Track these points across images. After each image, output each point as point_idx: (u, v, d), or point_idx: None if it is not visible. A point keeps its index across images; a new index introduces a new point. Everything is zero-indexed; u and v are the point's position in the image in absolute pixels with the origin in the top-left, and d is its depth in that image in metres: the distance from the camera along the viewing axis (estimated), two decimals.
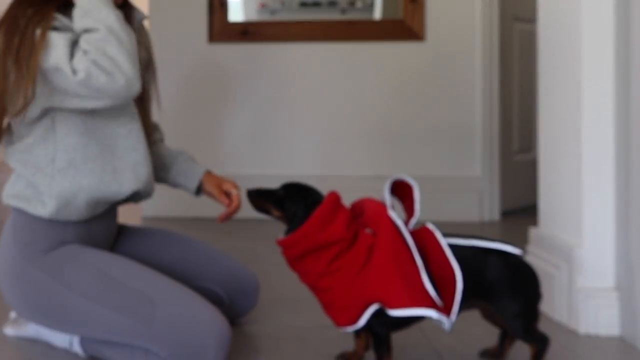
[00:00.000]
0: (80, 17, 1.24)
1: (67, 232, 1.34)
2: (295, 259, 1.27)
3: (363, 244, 1.24)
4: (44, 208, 1.32)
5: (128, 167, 1.37)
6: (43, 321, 1.34)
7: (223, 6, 3.09)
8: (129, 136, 1.37)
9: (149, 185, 1.42)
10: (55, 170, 1.31)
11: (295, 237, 1.24)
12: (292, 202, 1.27)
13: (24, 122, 1.30)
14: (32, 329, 1.46)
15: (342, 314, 1.24)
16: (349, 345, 1.40)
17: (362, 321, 1.22)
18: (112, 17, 1.24)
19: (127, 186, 1.36)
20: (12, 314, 1.57)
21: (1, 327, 1.55)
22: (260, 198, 1.31)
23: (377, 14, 3.10)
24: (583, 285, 1.59)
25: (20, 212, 1.35)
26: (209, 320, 1.26)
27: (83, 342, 1.37)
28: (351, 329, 1.24)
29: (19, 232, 1.34)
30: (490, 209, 2.99)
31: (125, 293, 1.26)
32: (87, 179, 1.32)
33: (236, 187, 1.58)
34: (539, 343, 1.27)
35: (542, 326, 1.32)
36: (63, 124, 1.31)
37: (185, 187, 1.58)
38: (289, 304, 1.75)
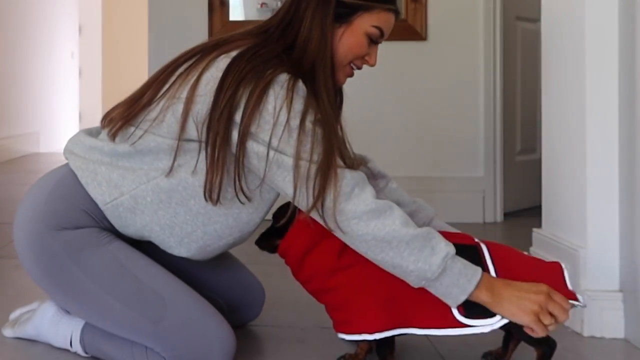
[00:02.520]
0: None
1: (100, 222, 1.29)
2: (300, 260, 1.26)
3: None
4: (110, 192, 1.24)
5: (197, 246, 1.29)
6: (52, 292, 1.31)
7: (223, 5, 3.07)
8: (229, 235, 1.29)
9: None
10: (154, 180, 1.23)
11: (292, 232, 1.25)
12: (288, 220, 1.28)
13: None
14: (32, 329, 1.45)
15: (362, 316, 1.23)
16: (351, 347, 1.39)
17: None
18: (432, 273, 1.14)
19: (178, 253, 1.30)
20: (12, 315, 1.56)
21: (1, 328, 1.53)
22: (267, 240, 1.34)
23: None
24: (587, 287, 1.57)
25: (72, 180, 1.27)
26: (216, 328, 1.25)
27: (83, 340, 1.36)
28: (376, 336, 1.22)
29: (55, 199, 1.27)
30: (493, 210, 2.98)
31: (139, 289, 1.25)
32: (158, 219, 1.25)
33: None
34: (545, 346, 1.25)
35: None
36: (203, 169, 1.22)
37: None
38: (291, 305, 1.73)
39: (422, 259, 1.14)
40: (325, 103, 1.21)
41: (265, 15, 3.13)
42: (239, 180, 1.20)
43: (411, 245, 1.14)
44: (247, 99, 1.16)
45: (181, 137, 1.21)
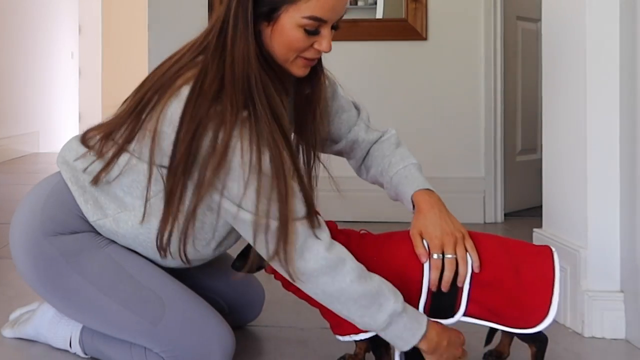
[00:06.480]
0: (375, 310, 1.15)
1: (94, 228, 1.28)
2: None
3: (354, 234, 1.30)
4: (94, 211, 1.25)
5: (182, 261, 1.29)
6: (49, 298, 1.31)
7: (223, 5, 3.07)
8: (214, 248, 1.30)
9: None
10: (135, 210, 1.24)
11: None
12: None
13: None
14: (31, 330, 1.45)
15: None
16: (350, 347, 1.39)
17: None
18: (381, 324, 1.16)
19: (165, 265, 1.31)
20: (11, 316, 1.55)
21: (0, 328, 1.53)
22: (246, 257, 1.30)
23: (380, 13, 3.09)
24: (588, 287, 1.57)
25: (67, 187, 1.27)
26: (215, 328, 1.26)
27: (82, 341, 1.36)
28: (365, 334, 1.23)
29: (52, 206, 1.28)
30: (493, 210, 2.97)
31: (137, 290, 1.25)
32: (140, 241, 1.26)
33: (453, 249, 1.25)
34: (538, 343, 1.26)
35: (546, 328, 1.30)
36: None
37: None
38: (291, 306, 1.73)
39: (368, 315, 1.16)
40: (273, 132, 1.13)
41: None
42: (185, 243, 1.20)
43: (359, 302, 1.15)
44: (206, 152, 1.11)
45: (153, 162, 1.18)
